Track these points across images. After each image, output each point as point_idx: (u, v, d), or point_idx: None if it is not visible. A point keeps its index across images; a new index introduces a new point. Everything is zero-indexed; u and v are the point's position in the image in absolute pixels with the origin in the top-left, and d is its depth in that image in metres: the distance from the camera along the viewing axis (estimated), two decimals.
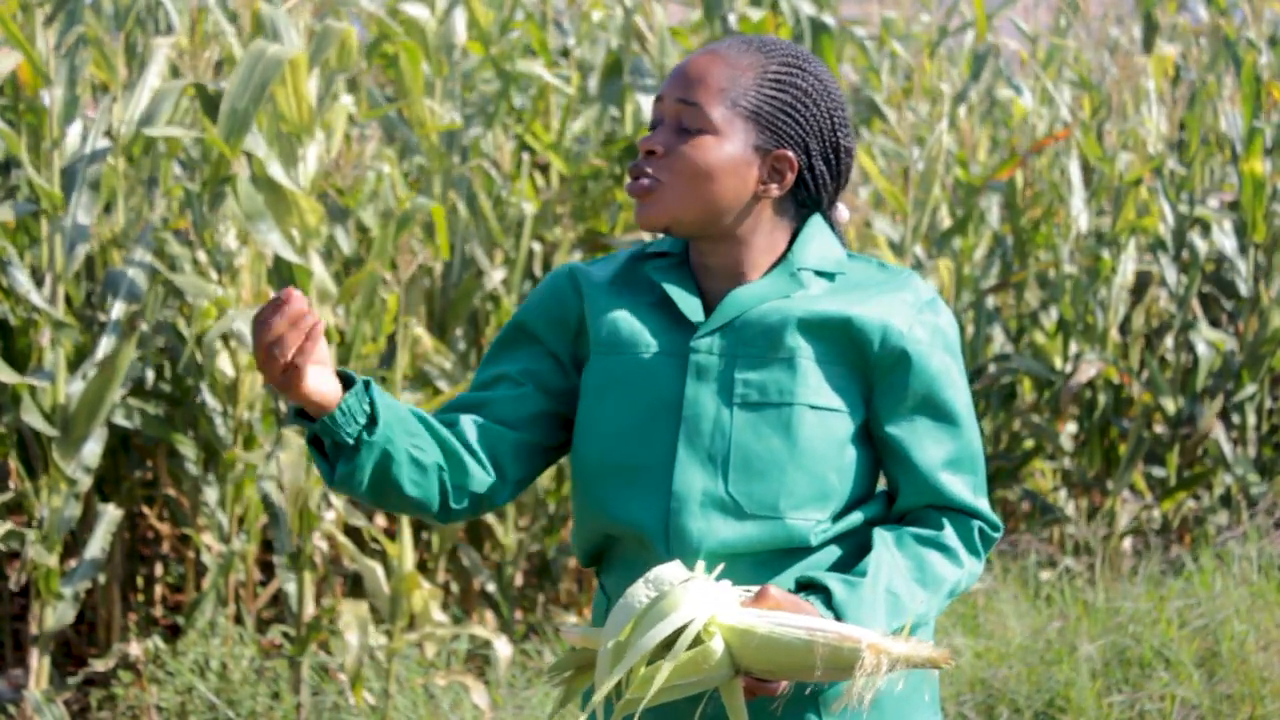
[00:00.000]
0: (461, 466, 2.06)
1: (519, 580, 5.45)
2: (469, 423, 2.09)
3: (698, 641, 1.83)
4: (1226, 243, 6.21)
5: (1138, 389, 6.02)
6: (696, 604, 1.82)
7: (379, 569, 4.33)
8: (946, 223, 6.22)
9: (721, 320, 2.04)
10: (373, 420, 1.96)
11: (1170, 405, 6.01)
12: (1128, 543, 5.94)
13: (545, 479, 5.28)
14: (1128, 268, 5.95)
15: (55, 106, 4.12)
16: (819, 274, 2.06)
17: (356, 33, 4.58)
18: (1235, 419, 6.19)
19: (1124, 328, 6.20)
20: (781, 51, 2.07)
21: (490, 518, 5.17)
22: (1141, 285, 6.36)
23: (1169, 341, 6.19)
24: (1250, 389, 6.08)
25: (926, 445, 2.05)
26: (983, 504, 2.09)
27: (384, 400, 1.98)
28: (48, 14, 4.09)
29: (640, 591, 1.85)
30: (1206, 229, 6.28)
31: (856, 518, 2.05)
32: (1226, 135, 6.27)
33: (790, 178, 2.06)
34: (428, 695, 4.44)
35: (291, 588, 4.36)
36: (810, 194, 2.08)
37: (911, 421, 2.05)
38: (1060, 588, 5.35)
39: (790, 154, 2.05)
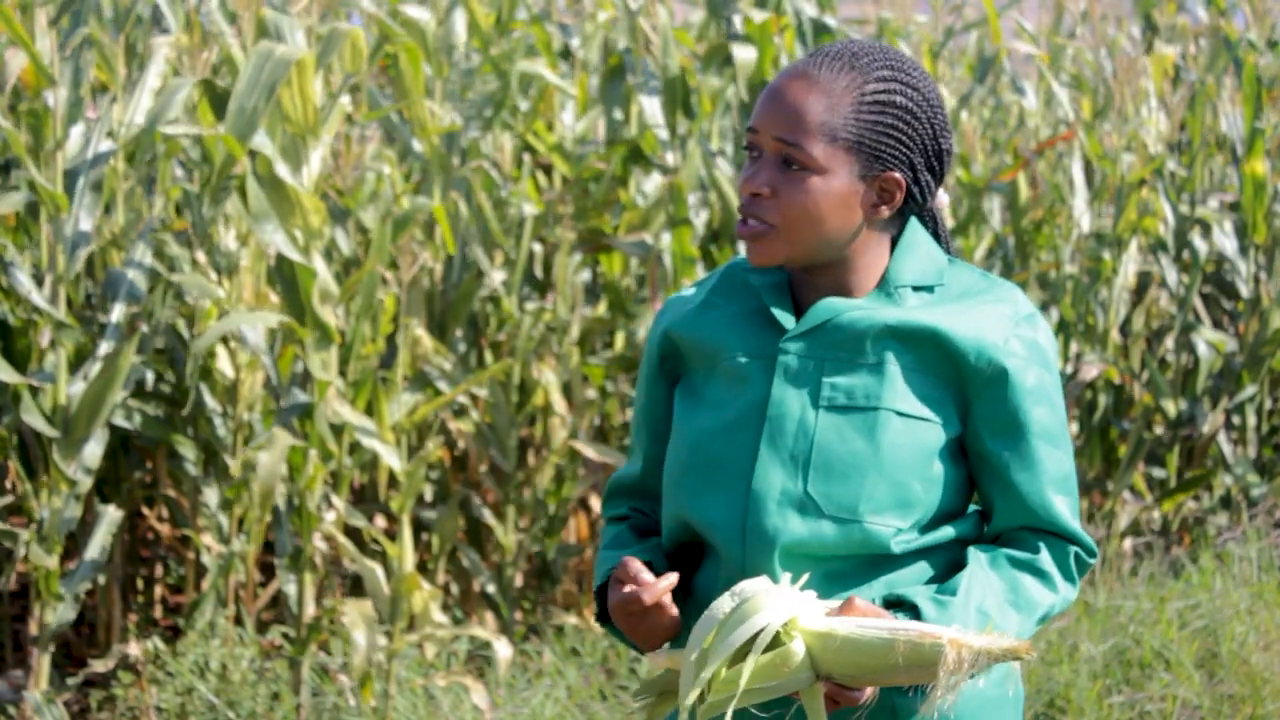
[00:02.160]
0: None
1: (519, 581, 5.45)
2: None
3: (779, 644, 1.83)
4: (1227, 243, 6.21)
5: (1138, 390, 6.02)
6: (777, 607, 1.83)
7: (379, 570, 4.33)
8: (948, 224, 6.22)
9: (811, 324, 2.02)
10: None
11: (1171, 406, 6.01)
12: (1128, 543, 5.94)
13: (545, 479, 5.28)
14: (1129, 268, 5.95)
15: (59, 107, 4.11)
16: (917, 289, 2.04)
17: (364, 35, 4.58)
18: (1235, 419, 6.19)
19: (1124, 328, 6.20)
20: (877, 65, 2.01)
21: (490, 518, 5.17)
22: (1142, 286, 6.37)
23: (1169, 342, 6.19)
24: (1250, 390, 6.08)
25: (1025, 465, 2.01)
26: (1079, 527, 2.05)
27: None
28: (51, 14, 4.09)
29: (725, 603, 1.86)
30: (1207, 230, 6.29)
31: (947, 532, 2.03)
32: (1227, 136, 6.27)
33: (900, 196, 2.02)
34: (428, 696, 4.44)
35: (291, 589, 4.36)
36: (916, 203, 2.06)
37: (1010, 439, 2.01)
38: None
39: (897, 175, 2.01)
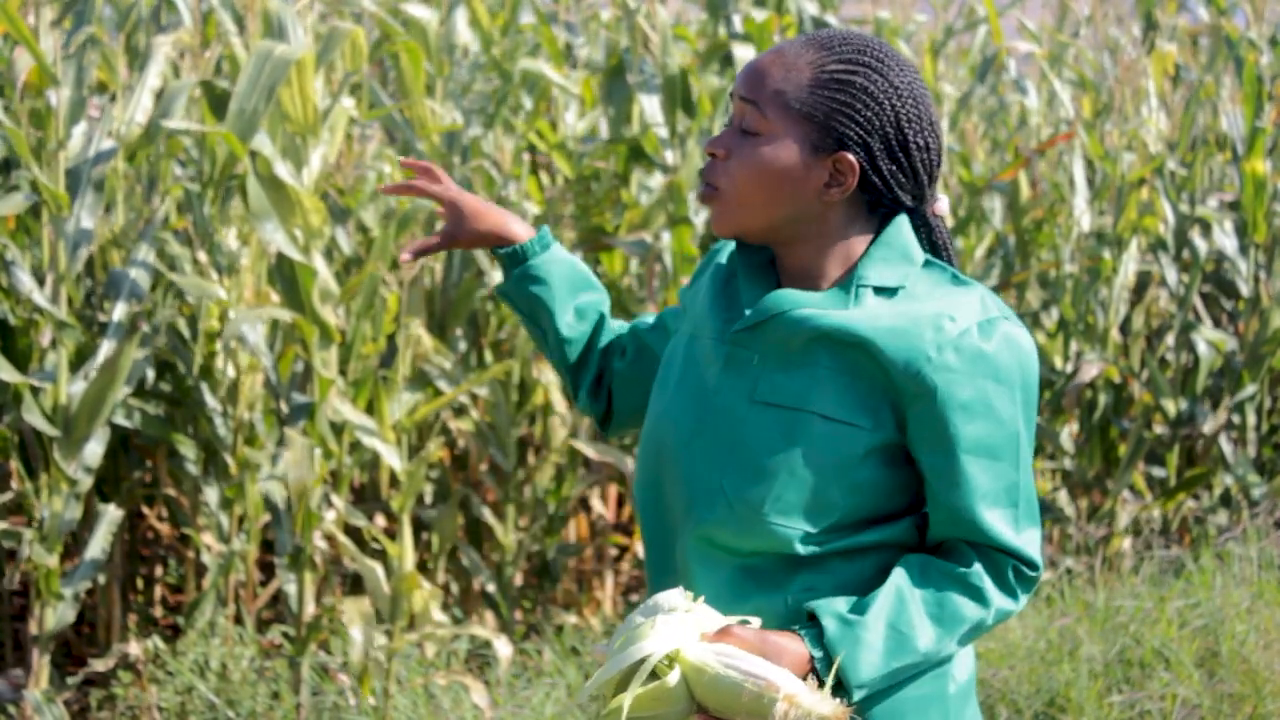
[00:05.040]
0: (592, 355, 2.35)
1: (519, 580, 5.45)
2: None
3: (659, 675, 1.86)
4: (1227, 242, 6.21)
5: (1138, 389, 6.02)
6: (662, 638, 1.85)
7: (379, 569, 4.33)
8: (949, 223, 6.23)
9: (758, 317, 2.01)
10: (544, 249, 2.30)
11: (1170, 406, 6.01)
12: (1128, 543, 5.94)
13: (545, 479, 5.28)
14: (1129, 268, 5.95)
15: (61, 107, 4.11)
16: (879, 290, 1.99)
17: (365, 34, 4.57)
18: (1235, 419, 6.19)
19: (1124, 328, 6.20)
20: (847, 48, 1.99)
21: (490, 518, 5.17)
22: (1142, 285, 6.37)
23: (1169, 341, 6.19)
24: (1250, 389, 6.08)
25: (952, 482, 1.96)
26: (1021, 540, 1.98)
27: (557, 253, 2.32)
28: (55, 15, 4.08)
29: (636, 615, 1.89)
30: (1207, 229, 6.29)
31: (873, 536, 1.99)
32: (1227, 135, 6.27)
33: (852, 180, 1.99)
34: (428, 695, 4.44)
35: (292, 588, 4.36)
36: (884, 195, 2.02)
37: (939, 455, 1.96)
38: (1061, 588, 5.35)
39: (850, 156, 1.98)
